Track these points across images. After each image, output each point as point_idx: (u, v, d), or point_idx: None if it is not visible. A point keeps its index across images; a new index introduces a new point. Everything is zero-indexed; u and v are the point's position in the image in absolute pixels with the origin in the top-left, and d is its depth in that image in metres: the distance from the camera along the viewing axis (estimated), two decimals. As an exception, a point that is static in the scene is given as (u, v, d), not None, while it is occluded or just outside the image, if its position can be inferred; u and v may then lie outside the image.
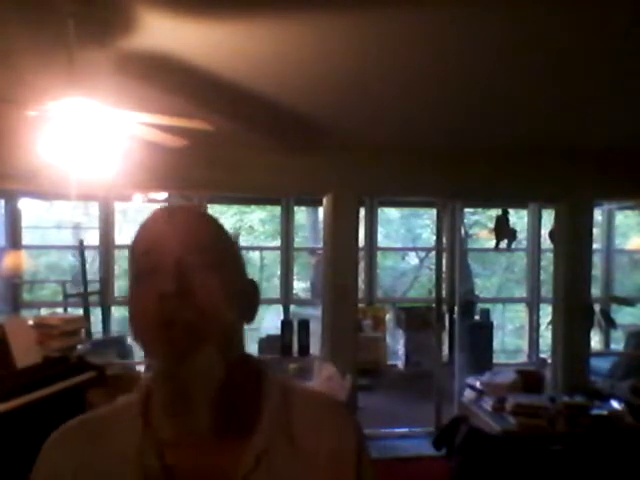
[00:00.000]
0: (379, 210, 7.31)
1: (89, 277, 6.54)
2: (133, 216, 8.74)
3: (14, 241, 6.58)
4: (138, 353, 6.49)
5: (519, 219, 7.33)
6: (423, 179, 4.50)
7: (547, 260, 6.21)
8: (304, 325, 4.35)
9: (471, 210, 8.53)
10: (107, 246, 6.80)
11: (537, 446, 3.37)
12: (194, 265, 0.74)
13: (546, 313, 5.64)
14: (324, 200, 4.51)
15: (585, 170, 4.49)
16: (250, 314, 0.83)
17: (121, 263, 8.06)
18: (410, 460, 4.26)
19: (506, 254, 7.69)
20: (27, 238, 6.88)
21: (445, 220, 5.74)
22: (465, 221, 7.88)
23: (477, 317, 6.81)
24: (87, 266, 6.61)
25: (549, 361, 4.92)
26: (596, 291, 6.56)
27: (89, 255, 7.08)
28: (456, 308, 5.77)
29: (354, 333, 4.52)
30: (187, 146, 2.74)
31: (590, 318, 4.70)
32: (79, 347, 4.33)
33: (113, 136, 2.24)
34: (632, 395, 4.28)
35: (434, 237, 5.59)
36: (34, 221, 7.67)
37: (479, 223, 9.06)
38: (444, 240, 5.87)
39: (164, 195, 6.24)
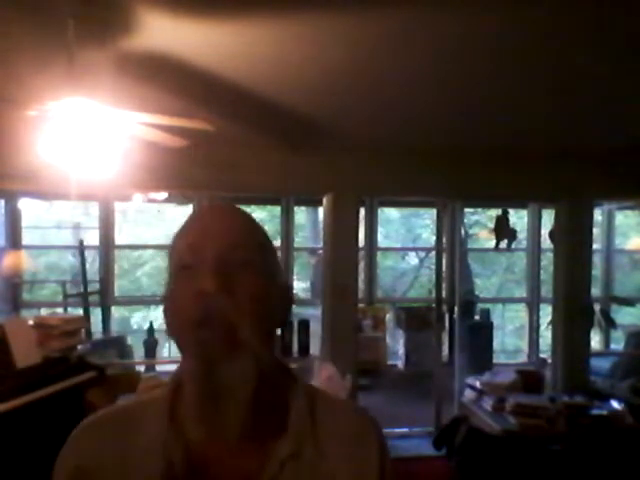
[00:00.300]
0: (379, 210, 7.31)
1: (89, 277, 6.53)
2: (133, 216, 8.75)
3: (14, 241, 6.58)
4: (138, 353, 6.50)
5: (519, 219, 7.33)
6: (423, 179, 4.50)
7: (547, 260, 6.20)
8: (304, 325, 4.35)
9: (471, 210, 8.53)
10: (107, 246, 6.79)
11: (537, 446, 3.37)
12: (235, 264, 0.74)
13: (546, 313, 5.64)
14: (324, 200, 4.51)
15: (585, 170, 4.49)
16: (284, 317, 0.84)
17: (121, 263, 8.07)
18: (410, 460, 4.26)
19: (506, 254, 7.69)
20: (27, 238, 6.88)
21: (445, 220, 5.74)
22: (465, 221, 7.88)
23: (477, 317, 6.81)
24: (87, 266, 6.61)
25: (549, 361, 4.93)
26: (596, 291, 6.56)
27: (89, 255, 7.07)
28: (456, 308, 5.77)
29: (354, 333, 4.52)
30: (187, 146, 2.74)
31: (590, 318, 4.70)
32: (79, 347, 4.33)
33: (113, 136, 2.24)
34: (632, 395, 4.28)
35: (434, 237, 5.59)
36: (34, 221, 7.66)
37: (479, 223, 9.06)
38: (444, 240, 5.86)
39: (164, 195, 6.25)
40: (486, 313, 6.82)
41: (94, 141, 2.15)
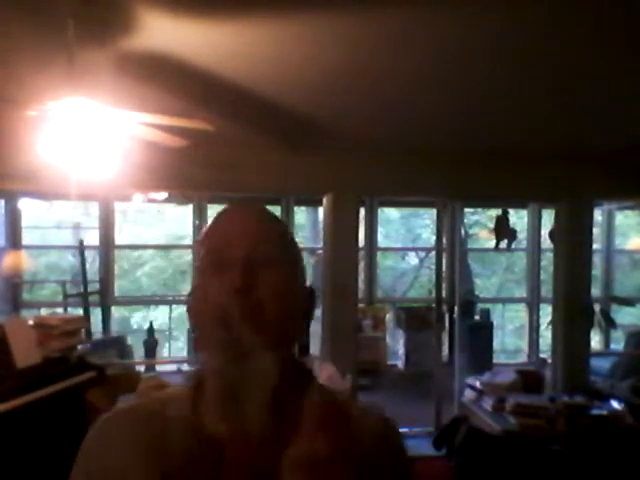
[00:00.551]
0: (379, 210, 7.31)
1: (89, 277, 6.53)
2: (133, 216, 8.75)
3: (14, 241, 6.58)
4: (138, 353, 6.50)
5: (519, 219, 7.33)
6: (423, 179, 4.50)
7: (547, 260, 6.21)
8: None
9: (471, 210, 8.53)
10: (107, 246, 6.80)
11: (537, 446, 3.37)
12: (260, 264, 0.75)
13: (546, 313, 5.64)
14: (324, 200, 4.51)
15: (585, 170, 4.49)
16: (306, 318, 0.84)
17: (121, 263, 8.07)
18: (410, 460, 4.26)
19: (506, 254, 7.70)
20: (27, 238, 6.88)
21: (445, 220, 5.74)
22: (465, 221, 7.88)
23: (477, 317, 6.81)
24: (87, 266, 6.61)
25: (549, 361, 4.93)
26: (596, 291, 6.56)
27: (89, 255, 7.07)
28: (456, 308, 5.77)
29: (354, 333, 4.52)
30: (187, 146, 2.74)
31: (590, 318, 4.70)
32: (79, 347, 4.33)
33: (113, 136, 2.24)
34: (632, 395, 4.28)
35: (434, 237, 5.59)
36: (34, 221, 7.67)
37: (479, 223, 9.06)
38: (444, 240, 5.86)
39: (164, 195, 6.25)
40: (486, 313, 6.83)
41: (94, 141, 2.15)
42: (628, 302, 6.52)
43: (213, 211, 8.14)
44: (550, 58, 2.49)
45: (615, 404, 3.94)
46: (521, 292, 7.86)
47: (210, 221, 0.83)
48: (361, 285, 6.79)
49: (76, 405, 3.43)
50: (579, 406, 3.84)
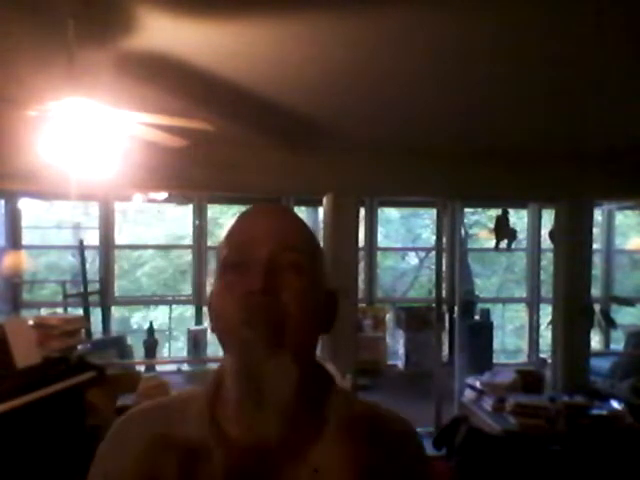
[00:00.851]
0: (379, 210, 7.31)
1: (89, 277, 6.54)
2: (133, 216, 8.75)
3: (14, 241, 6.58)
4: (138, 353, 6.51)
5: (519, 219, 7.33)
6: (423, 179, 4.50)
7: (547, 260, 6.21)
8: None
9: (471, 210, 8.53)
10: (107, 246, 6.80)
11: (537, 446, 3.37)
12: (284, 266, 0.74)
13: (546, 313, 5.64)
14: (324, 200, 4.51)
15: (585, 170, 4.49)
16: (328, 324, 0.83)
17: (121, 263, 8.07)
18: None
19: (506, 254, 7.69)
20: (27, 238, 6.88)
21: (445, 220, 5.74)
22: (465, 221, 7.88)
23: (477, 317, 6.81)
24: (87, 266, 6.61)
25: (549, 361, 4.92)
26: (596, 291, 6.56)
27: (89, 255, 7.07)
28: (456, 308, 5.77)
29: (354, 333, 4.52)
30: (187, 146, 2.74)
31: (590, 318, 4.69)
32: (79, 347, 4.34)
33: (113, 136, 2.24)
34: (632, 395, 4.28)
35: (434, 237, 5.59)
36: (34, 221, 7.67)
37: (479, 223, 9.06)
38: (444, 240, 5.86)
39: (164, 195, 6.25)
40: (486, 313, 6.83)
41: (94, 141, 2.15)
42: (628, 302, 6.51)
43: (213, 211, 8.15)
44: (550, 58, 2.49)
45: (615, 404, 3.94)
46: (521, 292, 7.86)
47: (233, 221, 0.82)
48: (361, 285, 6.79)
49: (76, 405, 3.43)
50: (579, 406, 3.84)
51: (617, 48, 2.37)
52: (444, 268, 5.96)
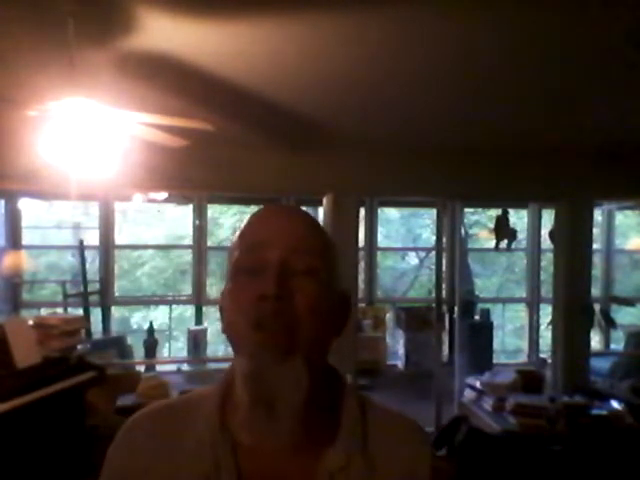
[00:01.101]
0: (379, 210, 7.31)
1: (89, 277, 6.54)
2: (133, 216, 8.75)
3: (14, 241, 6.58)
4: (138, 353, 6.51)
5: (519, 219, 7.33)
6: (423, 179, 4.50)
7: (547, 260, 6.21)
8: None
9: (471, 210, 8.53)
10: (107, 246, 6.80)
11: (537, 446, 3.37)
12: (297, 270, 0.73)
13: (546, 313, 5.64)
14: (324, 200, 4.51)
15: (585, 170, 4.49)
16: (341, 325, 0.81)
17: (121, 263, 8.07)
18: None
19: (506, 254, 7.69)
20: (27, 238, 6.88)
21: (445, 220, 5.74)
22: (465, 221, 7.88)
23: (477, 317, 6.81)
24: (87, 266, 6.61)
25: (549, 361, 4.92)
26: (596, 291, 6.56)
27: (89, 255, 7.08)
28: (456, 308, 5.77)
29: (354, 333, 4.52)
30: (187, 146, 2.74)
31: (590, 318, 4.69)
32: (79, 347, 4.34)
33: (113, 136, 2.24)
34: (632, 395, 4.28)
35: (434, 237, 5.59)
36: (34, 221, 7.67)
37: (479, 223, 9.06)
38: (444, 240, 5.86)
39: (164, 195, 6.25)
40: (486, 313, 6.83)
41: (94, 141, 2.15)
42: (628, 302, 6.52)
43: (213, 211, 8.15)
44: (550, 58, 2.49)
45: (615, 404, 3.94)
46: (521, 292, 7.87)
47: (245, 222, 0.80)
48: (361, 285, 6.79)
49: (76, 405, 3.43)
50: (579, 406, 3.84)
51: (617, 48, 2.37)
52: (444, 268, 5.96)
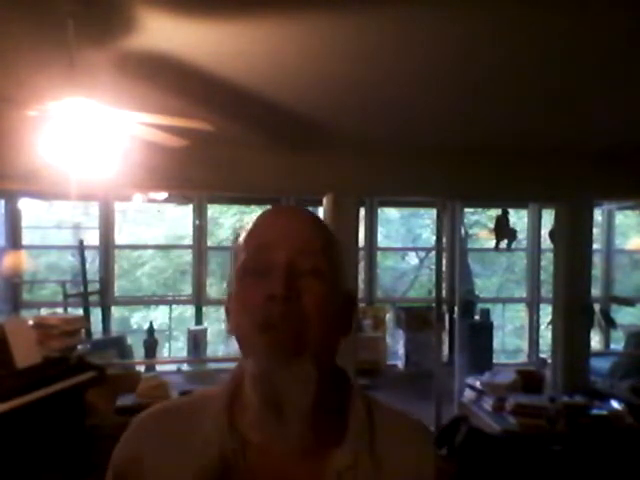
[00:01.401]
0: (379, 210, 7.31)
1: (89, 277, 6.54)
2: (133, 216, 8.75)
3: (14, 241, 6.58)
4: (138, 353, 6.51)
5: (519, 219, 7.33)
6: (423, 179, 4.50)
7: (547, 260, 6.21)
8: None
9: (471, 210, 8.53)
10: (107, 246, 6.80)
11: (537, 446, 3.37)
12: (305, 270, 0.74)
13: (546, 313, 5.64)
14: (324, 200, 4.51)
15: (585, 170, 4.49)
16: (348, 325, 0.82)
17: (121, 263, 8.07)
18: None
19: (506, 254, 7.70)
20: (27, 238, 6.89)
21: (445, 220, 5.74)
22: (465, 221, 7.88)
23: (477, 317, 6.81)
24: (87, 266, 6.61)
25: (549, 361, 4.92)
26: (596, 291, 6.56)
27: (89, 255, 7.08)
28: (456, 308, 5.77)
29: (354, 333, 4.51)
30: (187, 146, 2.74)
31: (590, 318, 4.69)
32: (79, 347, 4.34)
33: (113, 136, 2.24)
34: (632, 395, 4.28)
35: (434, 237, 5.59)
36: (34, 221, 7.67)
37: (479, 223, 9.06)
38: (444, 240, 5.86)
39: (164, 195, 6.25)
40: (486, 313, 6.83)
41: (94, 141, 2.15)
42: (628, 302, 6.52)
43: (213, 211, 8.15)
44: (550, 58, 2.49)
45: (615, 404, 3.94)
46: (521, 292, 7.87)
47: (251, 224, 0.81)
48: (361, 285, 6.80)
49: (76, 405, 3.43)
50: (579, 406, 3.84)
51: (617, 48, 2.37)
52: (444, 268, 5.96)
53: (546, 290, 6.16)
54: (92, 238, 6.90)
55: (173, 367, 6.35)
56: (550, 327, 4.97)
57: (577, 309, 4.61)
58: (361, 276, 6.63)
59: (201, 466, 0.75)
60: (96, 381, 3.59)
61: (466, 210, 7.85)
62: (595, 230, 5.48)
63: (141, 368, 5.59)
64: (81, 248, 6.54)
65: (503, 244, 5.40)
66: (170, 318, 8.03)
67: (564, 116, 3.47)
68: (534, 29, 2.18)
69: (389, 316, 7.16)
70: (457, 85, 2.87)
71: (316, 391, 0.73)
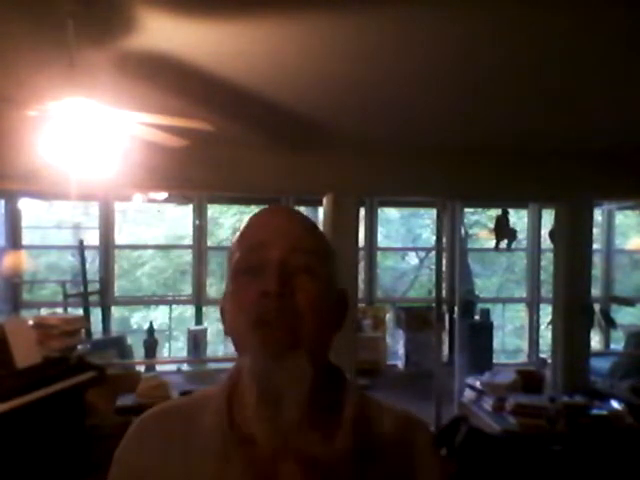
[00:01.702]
0: (379, 210, 7.31)
1: (89, 277, 6.54)
2: (133, 216, 8.75)
3: (14, 241, 6.58)
4: (138, 353, 6.50)
5: (519, 219, 7.33)
6: (423, 179, 4.50)
7: (547, 260, 6.21)
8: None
9: (471, 210, 8.53)
10: (107, 246, 6.80)
11: (537, 446, 3.37)
12: (297, 268, 0.76)
13: (546, 313, 5.64)
14: (324, 200, 4.51)
15: (585, 170, 4.49)
16: (340, 321, 0.84)
17: (121, 263, 8.07)
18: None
19: (506, 254, 7.69)
20: (27, 238, 6.88)
21: (445, 220, 5.74)
22: (465, 221, 7.88)
23: (477, 317, 6.81)
24: (87, 266, 6.61)
25: (549, 361, 4.92)
26: (596, 291, 6.56)
27: (89, 255, 7.07)
28: (456, 308, 5.77)
29: (354, 333, 4.52)
30: (187, 146, 2.74)
31: (590, 318, 4.69)
32: (79, 347, 4.34)
33: (113, 136, 2.24)
34: (632, 395, 4.28)
35: (434, 237, 5.59)
36: (34, 221, 7.67)
37: (479, 223, 9.06)
38: (444, 240, 5.86)
39: (164, 195, 6.25)
40: (486, 313, 6.82)
41: (94, 141, 2.15)
42: (628, 302, 6.52)
43: (213, 211, 8.15)
44: (550, 58, 2.49)
45: (615, 404, 3.94)
46: (521, 292, 7.87)
47: (244, 224, 0.83)
48: (361, 285, 6.79)
49: (76, 405, 3.43)
50: (579, 406, 3.84)
51: (617, 48, 2.37)
52: (444, 268, 5.96)
53: (546, 290, 6.16)
54: (92, 238, 6.89)
55: (173, 367, 6.35)
56: (550, 327, 4.97)
57: (577, 309, 4.61)
58: (361, 276, 6.63)
59: (202, 464, 0.75)
60: (96, 381, 3.59)
61: (466, 210, 7.85)
62: (595, 230, 5.48)
63: (141, 368, 5.59)
64: (81, 248, 6.54)
65: (503, 244, 5.39)
66: (170, 318, 8.03)
67: (564, 116, 3.47)
68: (534, 29, 2.18)
69: (389, 316, 7.16)
70: (457, 85, 2.87)
71: (311, 386, 0.74)
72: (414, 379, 6.03)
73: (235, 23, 2.12)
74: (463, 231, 7.52)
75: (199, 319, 7.07)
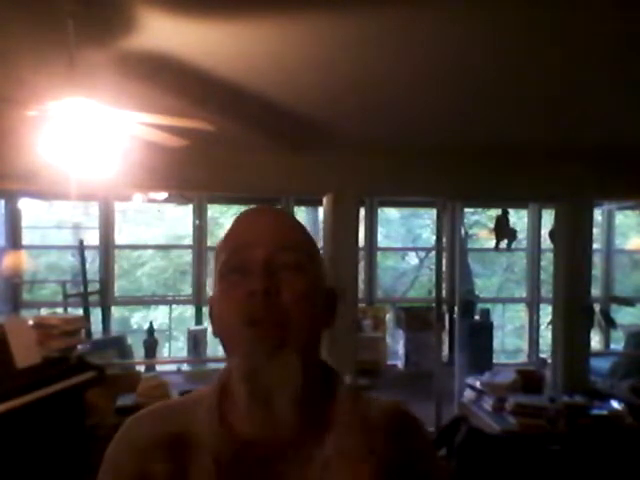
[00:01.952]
0: (379, 210, 7.31)
1: (89, 277, 6.54)
2: (133, 216, 8.75)
3: (14, 241, 6.58)
4: (138, 353, 6.51)
5: (519, 219, 7.33)
6: (423, 179, 4.50)
7: (547, 260, 6.21)
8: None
9: (471, 210, 8.53)
10: (107, 246, 6.80)
11: (537, 446, 3.37)
12: (283, 266, 0.76)
13: (546, 313, 5.64)
14: (324, 200, 4.51)
15: (585, 170, 4.49)
16: (329, 319, 0.84)
17: (121, 263, 8.07)
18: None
19: (506, 254, 7.69)
20: (27, 238, 6.88)
21: (445, 220, 5.74)
22: (465, 221, 7.88)
23: (477, 317, 6.81)
24: (87, 266, 6.61)
25: (549, 361, 4.92)
26: (596, 291, 6.56)
27: (89, 255, 7.07)
28: (456, 308, 5.77)
29: (354, 333, 4.52)
30: (187, 146, 2.74)
31: (590, 318, 4.69)
32: (79, 347, 4.33)
33: (113, 136, 2.24)
34: (632, 395, 4.28)
35: (434, 237, 5.59)
36: (34, 221, 7.67)
37: (479, 223, 9.06)
38: (444, 240, 5.86)
39: (164, 195, 6.25)
40: (486, 313, 6.83)
41: (94, 141, 2.15)
42: (628, 302, 6.52)
43: (213, 211, 8.14)
44: (550, 58, 2.49)
45: (615, 404, 3.94)
46: (521, 292, 7.87)
47: (230, 224, 0.83)
48: (361, 285, 6.79)
49: (76, 405, 3.43)
50: (579, 406, 3.84)
51: (617, 48, 2.37)
52: (444, 268, 5.96)
53: (546, 290, 6.16)
54: (92, 238, 6.89)
55: (173, 367, 6.35)
56: (550, 327, 4.97)
57: (577, 309, 4.61)
58: (361, 276, 6.62)
59: (195, 463, 0.76)
60: (96, 381, 3.59)
61: (466, 210, 7.85)
62: (595, 230, 5.48)
63: (141, 368, 5.59)
64: (81, 248, 6.54)
65: (503, 244, 5.39)
66: (170, 318, 8.03)
67: (564, 116, 3.47)
68: (534, 29, 2.18)
69: (389, 316, 7.16)
70: (457, 85, 2.87)
71: (301, 382, 0.75)
72: (414, 379, 6.03)
73: (235, 23, 2.12)
74: (463, 231, 7.52)
75: (199, 319, 7.07)
